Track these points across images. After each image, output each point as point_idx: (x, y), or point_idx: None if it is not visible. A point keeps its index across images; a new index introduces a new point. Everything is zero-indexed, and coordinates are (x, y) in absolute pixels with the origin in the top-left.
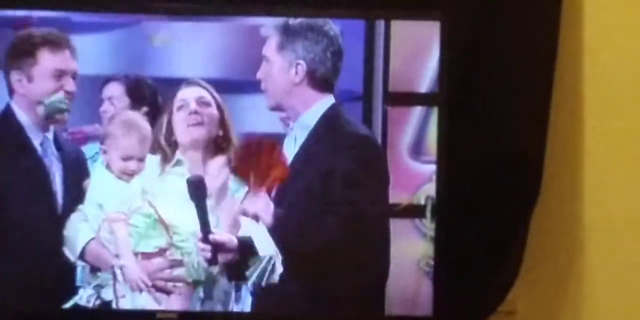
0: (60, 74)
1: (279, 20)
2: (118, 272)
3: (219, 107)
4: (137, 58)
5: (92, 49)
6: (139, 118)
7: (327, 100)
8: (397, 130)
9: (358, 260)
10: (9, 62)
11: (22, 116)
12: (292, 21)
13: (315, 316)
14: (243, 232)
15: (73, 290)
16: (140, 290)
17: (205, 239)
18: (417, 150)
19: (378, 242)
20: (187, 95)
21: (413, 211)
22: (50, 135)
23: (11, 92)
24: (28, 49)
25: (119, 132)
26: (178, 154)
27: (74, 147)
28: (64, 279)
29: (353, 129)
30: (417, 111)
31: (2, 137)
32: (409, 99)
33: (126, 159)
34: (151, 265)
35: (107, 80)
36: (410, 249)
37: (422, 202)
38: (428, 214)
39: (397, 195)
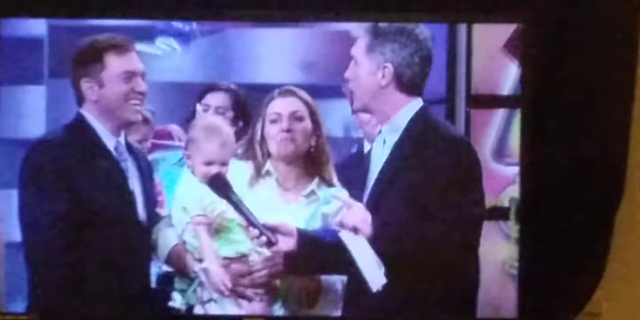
0: (129, 76)
1: (369, 23)
2: (202, 275)
3: (313, 119)
4: (223, 65)
5: (177, 57)
6: (221, 123)
7: (415, 103)
8: (479, 133)
9: (455, 264)
10: (77, 70)
11: (95, 122)
12: (382, 23)
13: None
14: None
15: (159, 296)
16: (223, 294)
17: (253, 226)
18: (500, 152)
19: (474, 245)
20: (281, 108)
21: (497, 213)
22: (122, 139)
23: (81, 100)
24: (94, 55)
25: (201, 137)
26: (268, 165)
27: (143, 151)
28: (148, 284)
29: (446, 131)
30: (500, 113)
31: (78, 144)
32: (492, 101)
33: (208, 163)
34: (232, 271)
35: (210, 88)
36: (495, 252)
37: (506, 204)
38: (512, 216)
39: None
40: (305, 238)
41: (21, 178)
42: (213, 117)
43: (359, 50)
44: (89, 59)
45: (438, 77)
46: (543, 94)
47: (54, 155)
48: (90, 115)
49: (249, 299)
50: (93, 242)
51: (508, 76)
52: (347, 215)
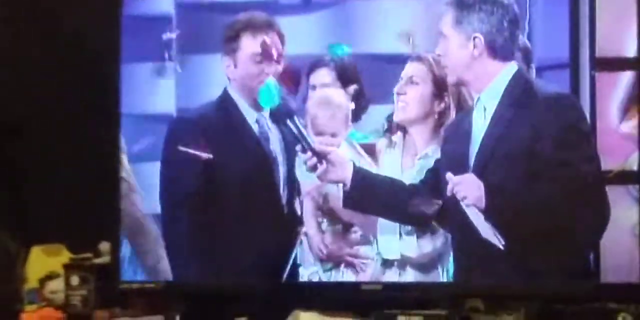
0: (261, 59)
1: None
2: (303, 239)
3: (436, 83)
4: (341, 36)
5: (298, 30)
6: (337, 95)
7: (510, 68)
8: (606, 97)
9: (576, 224)
10: (224, 48)
11: (237, 97)
12: None
13: (525, 285)
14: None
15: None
16: (321, 258)
17: (304, 150)
18: (627, 116)
19: (597, 202)
20: (404, 73)
21: (626, 177)
22: (266, 112)
23: (228, 77)
24: (232, 35)
25: (313, 109)
26: (396, 136)
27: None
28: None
29: (547, 90)
30: (627, 76)
31: (221, 118)
32: (618, 63)
33: (319, 133)
34: (339, 240)
35: (314, 66)
36: (625, 216)
37: (635, 167)
38: None
39: (608, 162)
40: (361, 176)
41: (164, 151)
42: (328, 90)
43: (446, 25)
44: (228, 39)
45: (561, 40)
46: None
47: (198, 128)
48: (233, 91)
49: (359, 269)
50: (233, 212)
51: (633, 37)
52: (460, 187)
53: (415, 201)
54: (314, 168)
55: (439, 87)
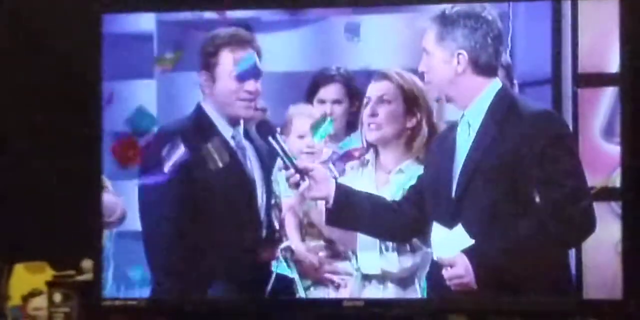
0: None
1: (435, 11)
2: (288, 256)
3: (409, 102)
4: (326, 53)
5: (281, 47)
6: (310, 109)
7: (494, 84)
8: (588, 113)
9: (561, 240)
10: (201, 63)
11: (212, 113)
12: (449, 10)
13: (508, 301)
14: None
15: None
16: (301, 276)
17: (286, 167)
18: (610, 132)
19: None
20: (372, 91)
21: (608, 194)
22: (240, 129)
23: (203, 91)
24: (212, 50)
25: (294, 118)
26: (369, 153)
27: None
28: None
29: (531, 106)
30: (609, 92)
31: (196, 133)
32: (600, 79)
33: (301, 136)
34: (319, 257)
35: (321, 81)
36: (607, 233)
37: (617, 184)
38: None
39: (591, 178)
40: (344, 192)
41: (140, 167)
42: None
43: (429, 41)
44: (207, 54)
45: (543, 56)
46: None
47: (174, 143)
48: (208, 106)
49: (337, 286)
50: (213, 228)
51: (614, 53)
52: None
53: (397, 217)
54: (296, 185)
55: (410, 102)
